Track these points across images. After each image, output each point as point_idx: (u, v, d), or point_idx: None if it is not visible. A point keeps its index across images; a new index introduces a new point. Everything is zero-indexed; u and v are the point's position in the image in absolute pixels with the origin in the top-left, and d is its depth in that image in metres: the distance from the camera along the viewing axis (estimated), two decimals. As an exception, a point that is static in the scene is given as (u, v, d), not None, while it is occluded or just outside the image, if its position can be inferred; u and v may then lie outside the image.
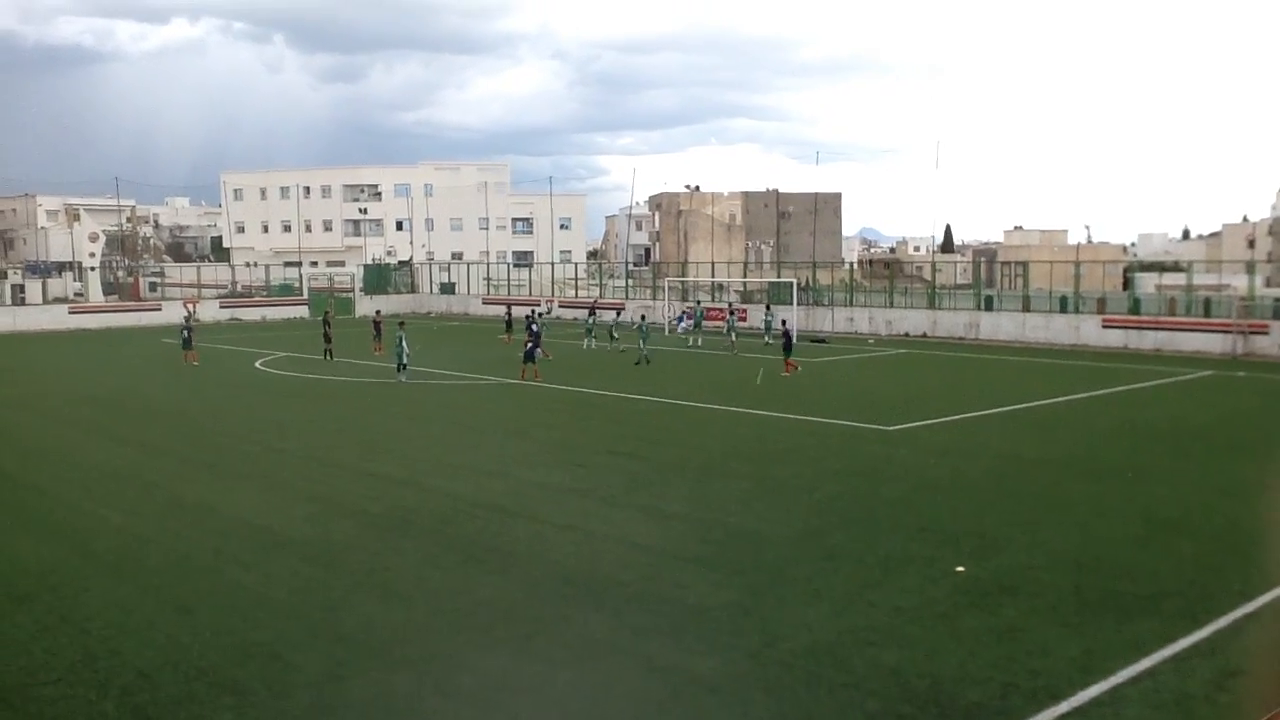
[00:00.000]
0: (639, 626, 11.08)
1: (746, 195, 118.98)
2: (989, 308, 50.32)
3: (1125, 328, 43.79)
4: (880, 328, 50.86)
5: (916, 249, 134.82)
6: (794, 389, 31.11)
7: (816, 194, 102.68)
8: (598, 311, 49.92)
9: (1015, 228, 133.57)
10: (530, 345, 34.14)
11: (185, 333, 39.73)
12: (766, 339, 44.61)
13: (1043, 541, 14.40)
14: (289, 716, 9.08)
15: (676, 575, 12.85)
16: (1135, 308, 46.61)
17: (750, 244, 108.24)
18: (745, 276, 67.23)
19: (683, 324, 50.50)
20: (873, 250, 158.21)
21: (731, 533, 14.84)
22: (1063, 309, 47.35)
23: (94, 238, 72.18)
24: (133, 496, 17.48)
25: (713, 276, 63.82)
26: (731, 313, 46.82)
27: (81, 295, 70.62)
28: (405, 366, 32.96)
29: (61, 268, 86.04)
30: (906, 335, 49.39)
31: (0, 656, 10.41)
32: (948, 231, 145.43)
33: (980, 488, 17.74)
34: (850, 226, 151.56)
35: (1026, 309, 48.82)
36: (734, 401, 27.67)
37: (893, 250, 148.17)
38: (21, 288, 72.56)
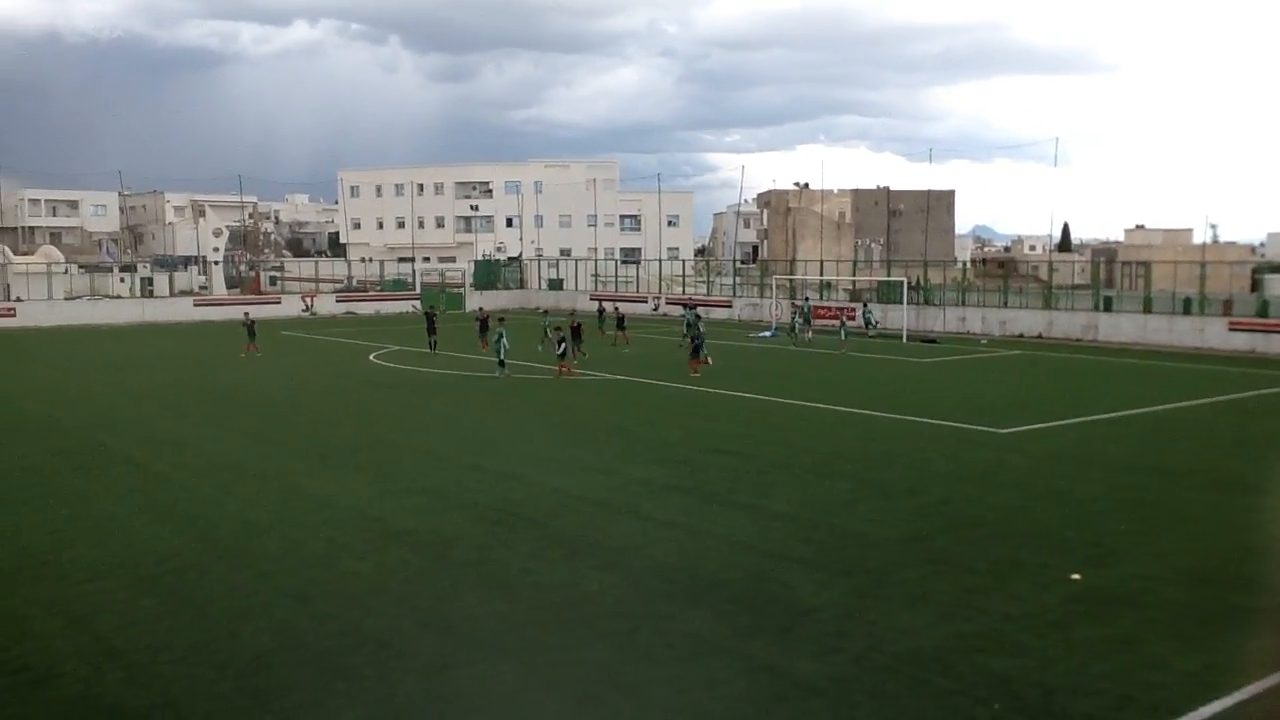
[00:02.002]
0: (741, 626, 11.05)
1: (856, 193, 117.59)
2: (1108, 309, 48.84)
3: (1252, 331, 42.06)
4: (993, 328, 49.77)
5: (1032, 248, 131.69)
6: (901, 390, 30.65)
7: (928, 191, 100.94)
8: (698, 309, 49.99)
9: (1137, 226, 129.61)
10: (696, 342, 34.79)
11: (248, 326, 40.78)
12: (870, 331, 43.98)
13: (1161, 552, 13.94)
14: (398, 704, 9.29)
15: (780, 575, 12.79)
16: (1264, 310, 44.69)
17: (859, 242, 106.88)
18: (854, 275, 66.46)
19: (772, 333, 50.09)
20: (987, 249, 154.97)
21: (836, 534, 14.70)
22: (1186, 311, 45.70)
23: (218, 233, 74.70)
24: (251, 486, 18.06)
25: (821, 275, 63.22)
26: (843, 311, 46.18)
27: (206, 288, 73.16)
28: (504, 363, 33.01)
29: (187, 262, 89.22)
30: (1020, 336, 48.25)
31: (127, 635, 10.87)
32: (1065, 230, 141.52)
33: (1095, 495, 17.24)
34: (963, 224, 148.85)
35: (1148, 310, 47.23)
36: (841, 401, 27.39)
37: (1007, 249, 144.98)
38: (150, 280, 75.55)
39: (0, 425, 24.68)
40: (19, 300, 62.78)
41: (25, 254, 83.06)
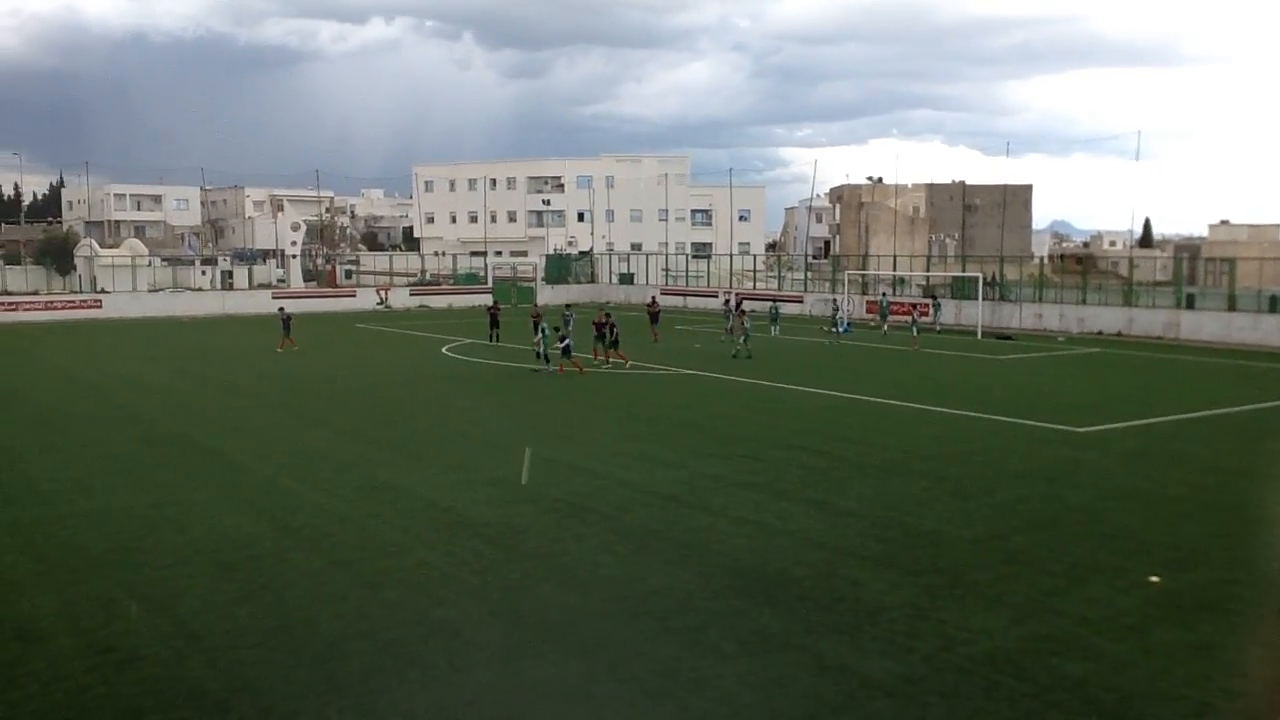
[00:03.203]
0: (812, 624, 11.00)
1: (930, 187, 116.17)
2: (1190, 306, 47.63)
3: (1344, 330, 40.74)
4: (1071, 325, 48.87)
5: (1112, 243, 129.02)
6: (976, 387, 30.23)
7: (1005, 186, 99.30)
8: (778, 303, 49.81)
9: (1221, 222, 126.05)
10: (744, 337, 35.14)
11: (284, 320, 40.78)
12: (917, 330, 43.27)
13: (1244, 557, 13.58)
14: (469, 693, 9.39)
15: (851, 573, 12.69)
16: (1354, 308, 43.33)
17: (934, 237, 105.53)
18: (928, 270, 65.66)
19: (843, 328, 49.62)
20: (1065, 244, 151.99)
21: (909, 532, 14.55)
22: (1272, 309, 44.40)
23: (296, 227, 75.98)
24: (327, 475, 18.37)
25: (894, 270, 62.59)
26: (917, 308, 45.51)
27: (283, 281, 74.48)
28: (543, 355, 32.60)
29: (266, 255, 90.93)
30: (1099, 333, 47.31)
31: (207, 619, 11.13)
32: (1146, 225, 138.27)
33: (1176, 497, 16.85)
34: (1041, 220, 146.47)
35: (1232, 308, 45.98)
36: (914, 398, 27.09)
37: (1086, 245, 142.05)
38: (230, 273, 77.15)
39: (87, 414, 25.41)
40: (105, 292, 64.54)
41: (111, 247, 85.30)
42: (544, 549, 13.78)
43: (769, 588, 12.18)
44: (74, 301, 61.28)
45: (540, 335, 33.11)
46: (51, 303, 60.70)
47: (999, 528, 14.87)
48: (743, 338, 37.62)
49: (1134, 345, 43.09)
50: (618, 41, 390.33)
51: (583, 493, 16.78)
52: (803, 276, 68.63)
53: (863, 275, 60.82)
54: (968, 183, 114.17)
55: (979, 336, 46.04)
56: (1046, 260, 68.84)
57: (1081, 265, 69.92)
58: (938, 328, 46.30)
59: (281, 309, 43.06)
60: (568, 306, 42.75)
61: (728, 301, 52.13)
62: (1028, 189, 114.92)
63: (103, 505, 16.17)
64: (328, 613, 11.36)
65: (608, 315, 36.36)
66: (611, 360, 34.28)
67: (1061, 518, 15.43)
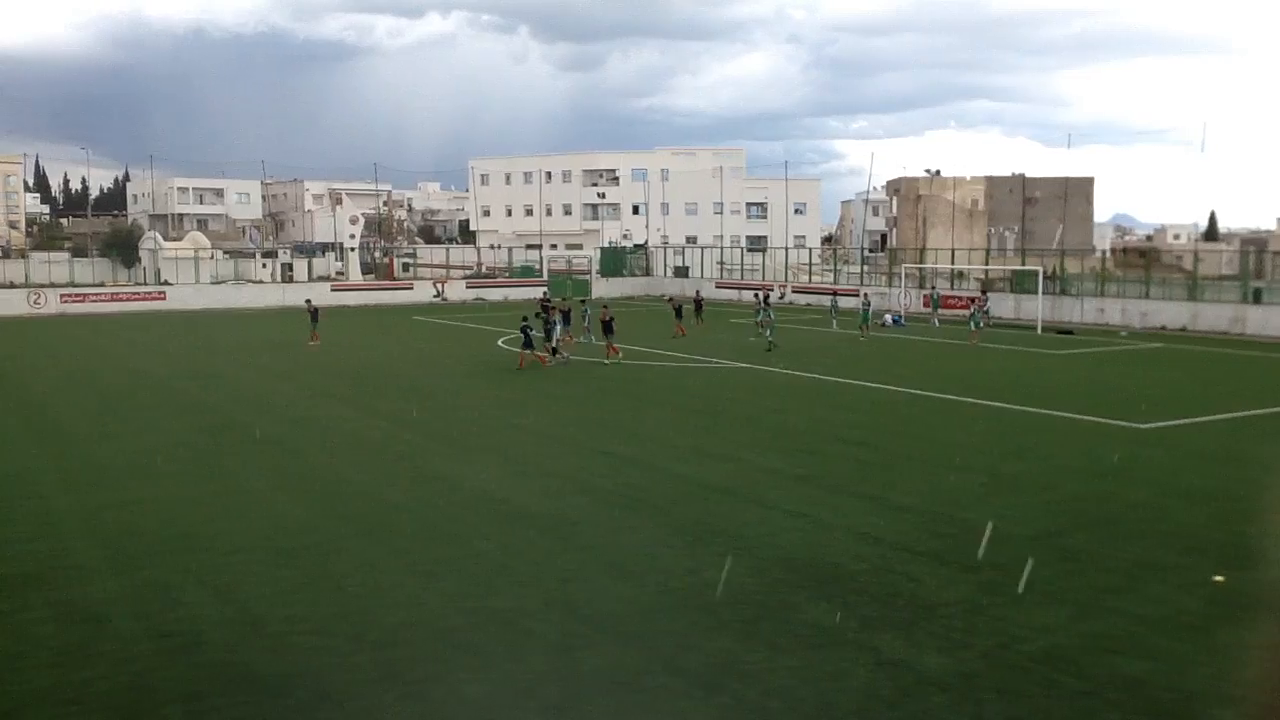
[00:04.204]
0: (867, 618, 10.94)
1: (989, 180, 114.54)
2: (1258, 301, 46.56)
3: None
4: (1133, 320, 48.02)
5: (1176, 237, 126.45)
6: (1035, 382, 29.83)
7: (1066, 179, 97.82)
8: (837, 295, 49.59)
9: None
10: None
11: (311, 312, 40.69)
12: (978, 323, 42.62)
13: (1313, 556, 13.29)
14: (524, 681, 9.46)
15: (906, 568, 12.60)
16: None
17: (992, 230, 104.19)
18: (987, 264, 64.89)
19: (891, 318, 49.21)
20: (1127, 238, 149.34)
21: (965, 528, 14.41)
22: (1343, 303, 43.34)
23: (354, 220, 76.86)
24: (384, 465, 18.59)
25: (952, 263, 61.86)
26: (975, 301, 44.80)
27: (342, 274, 75.38)
28: (556, 350, 32.97)
29: (325, 248, 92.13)
30: (1162, 328, 46.46)
31: (268, 605, 11.32)
32: (1212, 218, 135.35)
33: (1240, 495, 16.52)
34: (1102, 213, 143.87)
35: (1301, 303, 44.94)
36: (971, 393, 26.80)
37: (1149, 238, 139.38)
38: (290, 266, 78.29)
39: (151, 403, 25.92)
40: (169, 284, 65.73)
41: (175, 240, 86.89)
42: (598, 541, 13.84)
43: (823, 582, 12.13)
44: (139, 293, 62.46)
45: (547, 326, 33.63)
46: (117, 294, 61.93)
47: (1057, 524, 14.68)
48: (769, 330, 37.82)
49: (1198, 341, 42.26)
50: (672, 34, 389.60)
51: (636, 485, 16.82)
52: (859, 270, 68.12)
53: (920, 269, 60.20)
54: (1027, 175, 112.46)
55: (1039, 331, 45.41)
56: (1108, 254, 67.57)
57: (1144, 259, 68.58)
58: (985, 324, 45.70)
59: (308, 301, 43.00)
60: (583, 301, 42.88)
61: (757, 295, 52.26)
62: (1089, 181, 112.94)
63: (165, 492, 16.50)
64: (385, 601, 11.50)
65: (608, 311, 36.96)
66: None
67: (1122, 515, 15.19)
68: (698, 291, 53.57)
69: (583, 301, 42.73)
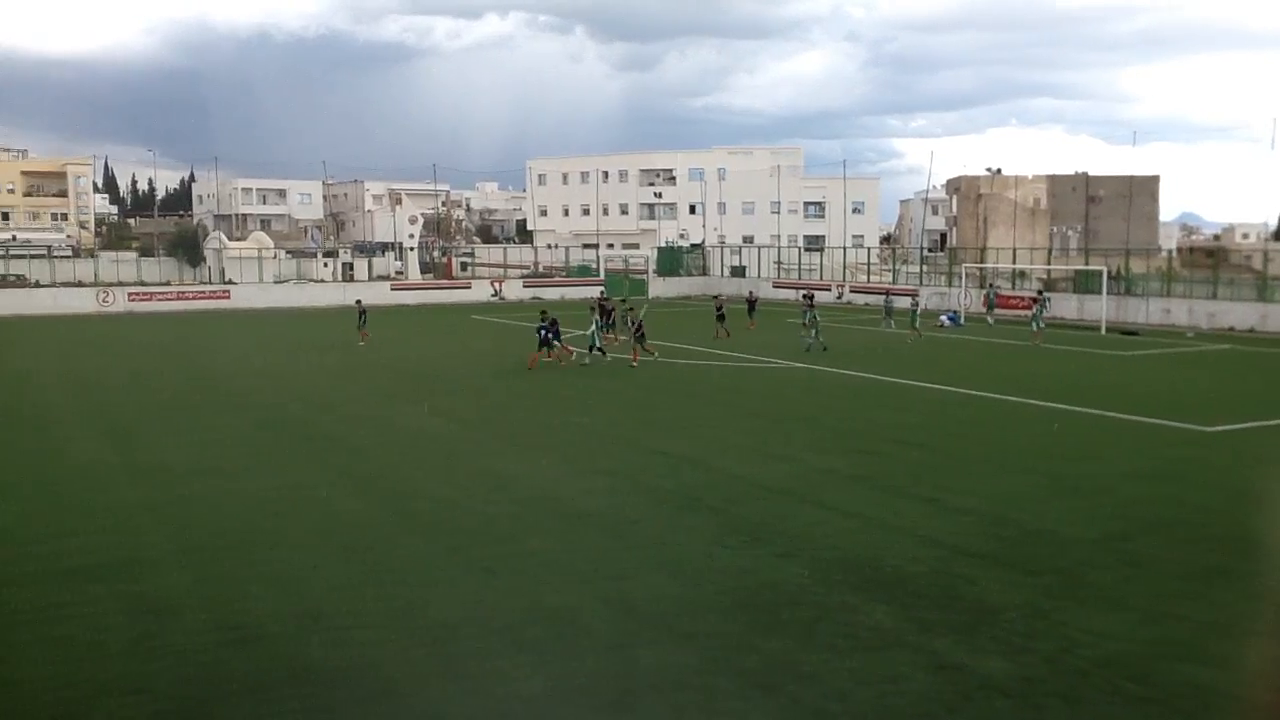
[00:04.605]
0: (926, 621, 10.84)
1: (1052, 178, 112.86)
2: (1331, 301, 45.50)
3: None
4: (1200, 321, 47.10)
5: (1245, 236, 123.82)
6: (1098, 383, 29.37)
7: (1131, 177, 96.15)
8: (892, 297, 49.14)
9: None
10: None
11: (360, 312, 40.74)
12: (1040, 324, 41.88)
13: (1388, 563, 12.95)
14: (581, 678, 9.51)
15: (966, 571, 12.48)
16: None
17: (1055, 229, 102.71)
18: (1049, 263, 63.99)
19: (947, 317, 48.68)
20: (1194, 237, 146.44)
21: (1026, 531, 14.24)
22: None
23: (413, 220, 77.60)
24: (442, 463, 18.76)
25: (1014, 263, 61.09)
26: (1037, 301, 44.01)
27: (401, 273, 76.16)
28: (594, 348, 32.93)
29: (384, 247, 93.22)
30: (1231, 330, 45.50)
31: (329, 600, 11.48)
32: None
33: (1313, 500, 16.14)
34: (1168, 211, 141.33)
35: (1376, 304, 43.79)
36: (1033, 394, 26.44)
37: (1217, 237, 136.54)
38: (350, 265, 79.31)
39: (215, 400, 26.39)
40: (233, 283, 66.86)
41: (239, 240, 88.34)
42: (655, 539, 13.86)
43: (882, 584, 12.05)
44: (204, 292, 63.60)
45: (596, 326, 33.70)
46: (183, 293, 63.12)
47: (1121, 528, 14.45)
48: (814, 331, 37.62)
49: (1268, 342, 41.32)
50: (729, 33, 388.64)
51: (694, 484, 16.83)
52: (918, 270, 67.51)
53: (980, 268, 59.50)
54: (1091, 173, 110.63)
55: (1103, 332, 44.71)
56: (1174, 253, 66.31)
57: (1212, 258, 67.28)
58: (1037, 325, 45.09)
59: (358, 301, 43.08)
60: (623, 300, 42.87)
61: (803, 296, 52.10)
62: (1154, 179, 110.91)
63: (230, 487, 16.79)
64: (443, 596, 11.62)
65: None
66: (640, 357, 33.73)
67: (1187, 519, 14.92)
68: (750, 291, 53.46)
69: (623, 300, 42.73)
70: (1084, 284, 53.20)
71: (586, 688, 9.36)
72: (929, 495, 16.17)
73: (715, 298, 48.07)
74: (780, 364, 33.28)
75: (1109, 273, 50.25)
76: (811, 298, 44.27)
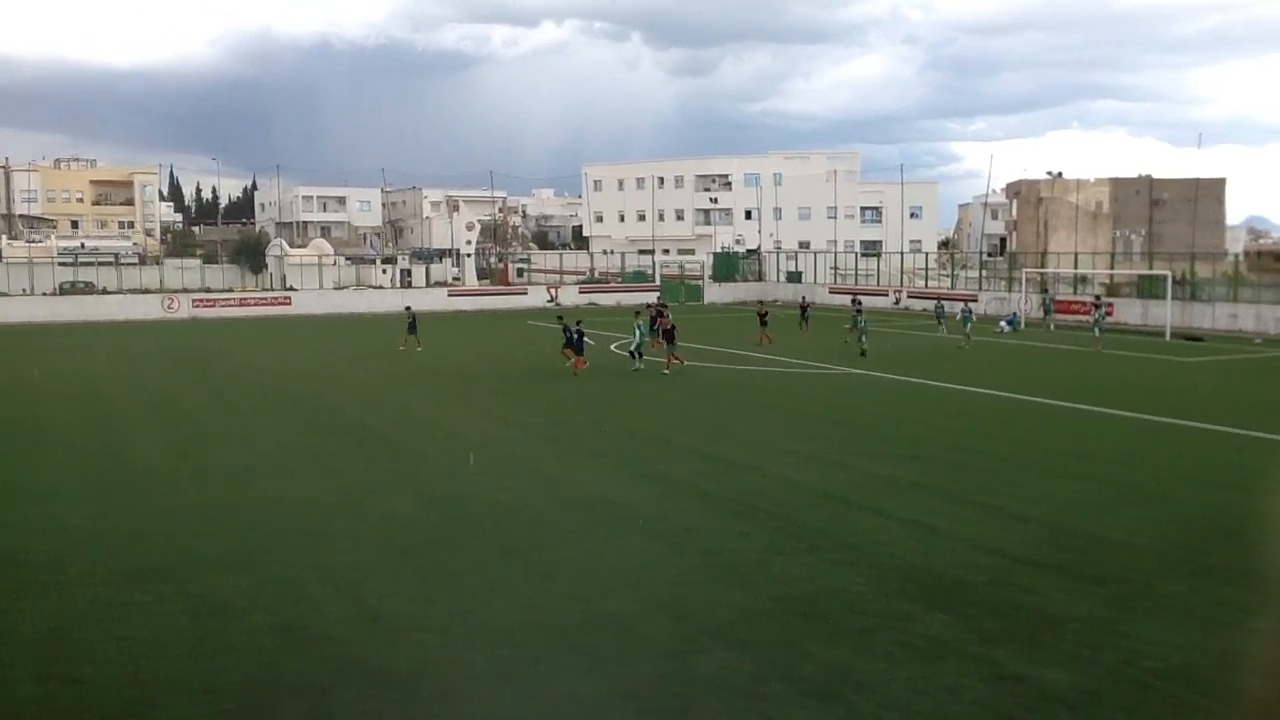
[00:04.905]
0: (986, 631, 10.69)
1: (1115, 181, 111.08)
2: (1405, 306, 44.27)
3: None
4: (1269, 326, 46.04)
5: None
6: (1162, 390, 28.84)
7: (1196, 179, 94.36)
8: (943, 301, 48.70)
9: None
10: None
11: (410, 320, 40.77)
12: (1101, 328, 41.09)
13: None
14: (638, 685, 9.50)
15: (1028, 581, 12.28)
16: None
17: (1118, 234, 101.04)
18: (1112, 268, 62.97)
19: (1006, 321, 48.02)
20: (1261, 241, 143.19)
21: (1089, 540, 14.00)
22: None
23: (470, 226, 78.27)
24: (498, 467, 18.85)
25: (1075, 268, 60.22)
26: (1098, 306, 43.29)
27: (459, 279, 76.80)
28: (638, 354, 32.67)
29: (442, 254, 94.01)
30: (1300, 335, 44.45)
31: (388, 603, 11.59)
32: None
33: (1388, 510, 15.69)
34: (1235, 215, 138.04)
35: None
36: (1095, 400, 25.98)
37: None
38: (408, 271, 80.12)
39: (275, 404, 26.78)
40: (294, 289, 67.86)
41: (300, 247, 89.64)
42: (711, 546, 13.81)
43: (941, 593, 11.90)
44: (265, 298, 64.68)
45: (637, 329, 33.35)
46: (245, 299, 64.19)
47: (1187, 537, 14.16)
48: (861, 336, 37.41)
49: (1340, 348, 40.31)
50: (785, 37, 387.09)
51: (750, 491, 16.75)
52: (977, 274, 66.76)
53: (1040, 273, 58.68)
54: (1155, 176, 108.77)
55: (1167, 338, 43.90)
56: (1242, 257, 64.95)
57: (1281, 262, 65.83)
58: (1099, 330, 44.38)
59: (408, 308, 43.11)
60: (664, 306, 42.76)
61: (851, 300, 51.98)
62: (1220, 182, 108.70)
63: (289, 490, 17.02)
64: (500, 601, 11.66)
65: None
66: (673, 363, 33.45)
67: (1256, 529, 14.56)
68: (803, 297, 53.34)
69: (664, 306, 42.71)
70: (1148, 289, 52.32)
71: (642, 694, 9.35)
72: (988, 503, 15.96)
73: (759, 303, 47.90)
74: (834, 370, 33.06)
75: (1173, 277, 49.33)
76: (859, 303, 43.96)
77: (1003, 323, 48.30)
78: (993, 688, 9.39)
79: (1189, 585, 12.17)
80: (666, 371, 31.90)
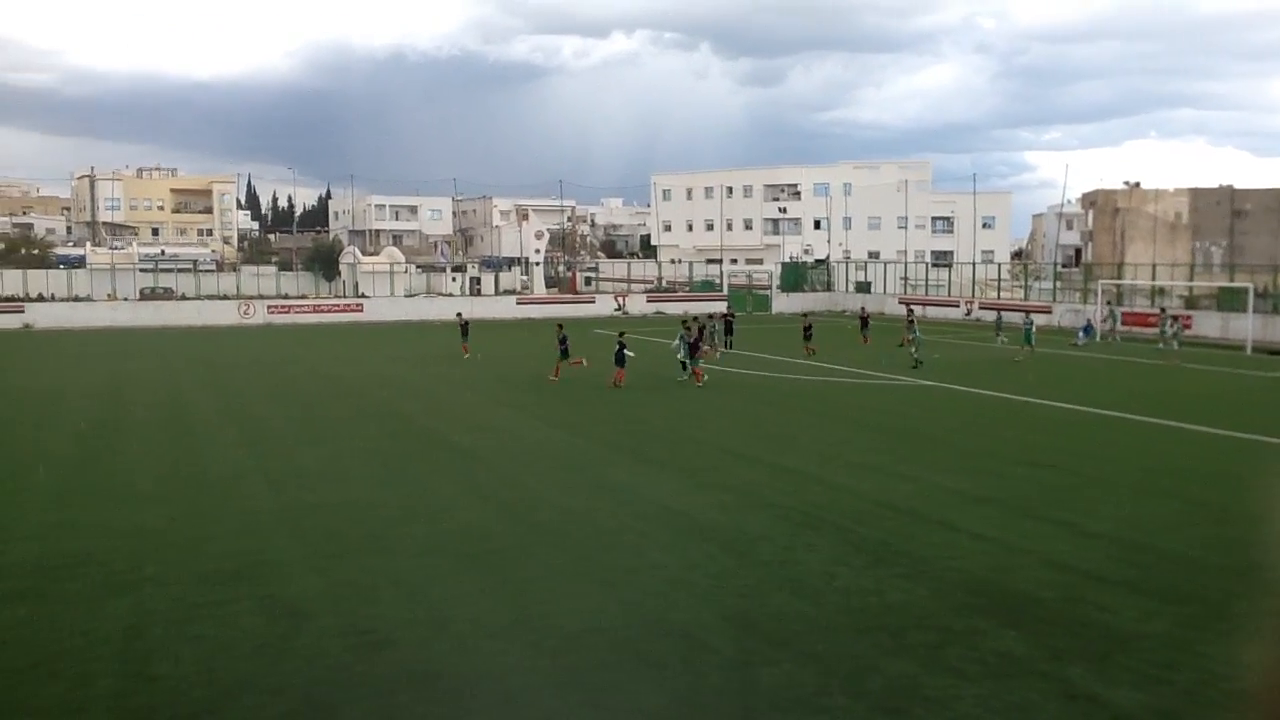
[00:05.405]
0: (1057, 649, 10.50)
1: (1194, 192, 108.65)
2: None
3: None
4: (1355, 341, 44.63)
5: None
6: (1243, 405, 28.11)
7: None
8: (1000, 313, 48.06)
9: None
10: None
11: (462, 326, 41.21)
12: (1179, 341, 40.03)
13: None
14: (703, 695, 9.48)
15: (1100, 598, 12.04)
16: None
17: (1197, 245, 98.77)
18: (1191, 280, 61.57)
19: (1083, 335, 47.08)
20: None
21: (1163, 558, 13.69)
22: None
23: (539, 235, 78.77)
24: (564, 474, 18.95)
25: (1153, 279, 58.95)
26: (1175, 319, 42.22)
27: (527, 288, 77.33)
28: (685, 365, 32.41)
29: (511, 262, 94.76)
30: (1389, 350, 43.01)
31: (455, 608, 11.70)
32: None
33: None
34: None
35: None
36: (1170, 415, 25.40)
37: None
38: (478, 280, 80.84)
39: (347, 410, 27.18)
40: (366, 297, 68.84)
41: (372, 255, 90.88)
42: (777, 557, 13.74)
43: (1011, 609, 11.72)
44: (338, 305, 65.73)
45: (678, 341, 33.08)
46: (319, 306, 65.32)
47: (1267, 557, 13.76)
48: (915, 347, 37.00)
49: None
50: (856, 47, 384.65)
51: (816, 503, 16.64)
52: (1051, 286, 65.67)
53: (1117, 285, 57.56)
54: (1236, 186, 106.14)
55: (1248, 352, 42.77)
56: (1328, 270, 63.04)
57: (1369, 275, 63.72)
58: (1160, 345, 43.28)
59: (459, 314, 43.78)
60: (710, 317, 42.63)
61: (908, 310, 51.45)
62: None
63: (360, 496, 17.26)
64: (564, 607, 11.71)
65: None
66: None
67: (1342, 550, 14.13)
68: (863, 307, 53.08)
69: (710, 317, 42.69)
70: (1228, 302, 51.03)
71: (707, 705, 9.33)
72: (1059, 518, 15.68)
73: (804, 316, 47.62)
74: (898, 380, 32.72)
75: (1255, 290, 48.07)
76: (912, 312, 43.53)
77: (1080, 333, 47.43)
78: (1064, 706, 9.22)
79: (1269, 605, 11.82)
80: (699, 385, 31.48)
